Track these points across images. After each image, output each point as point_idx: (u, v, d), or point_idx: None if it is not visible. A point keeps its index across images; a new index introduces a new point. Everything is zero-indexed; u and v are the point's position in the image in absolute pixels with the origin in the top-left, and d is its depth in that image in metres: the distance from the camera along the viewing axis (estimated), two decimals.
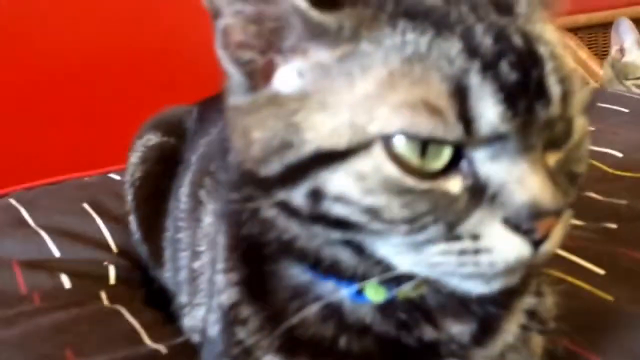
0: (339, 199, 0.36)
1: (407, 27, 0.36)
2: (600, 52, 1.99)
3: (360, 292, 0.43)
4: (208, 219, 0.60)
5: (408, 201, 0.35)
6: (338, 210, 0.36)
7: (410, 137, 0.34)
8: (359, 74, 0.36)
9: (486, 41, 0.35)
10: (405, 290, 0.41)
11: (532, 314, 0.49)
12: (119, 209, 0.99)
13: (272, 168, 0.37)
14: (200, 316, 0.59)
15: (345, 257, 0.40)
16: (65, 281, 0.80)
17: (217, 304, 0.49)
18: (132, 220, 0.81)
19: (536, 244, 0.35)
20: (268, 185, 0.38)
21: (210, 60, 0.39)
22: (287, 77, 0.38)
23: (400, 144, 0.34)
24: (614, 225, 0.77)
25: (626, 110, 1.22)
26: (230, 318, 0.46)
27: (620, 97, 1.31)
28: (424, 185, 0.35)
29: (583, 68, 1.79)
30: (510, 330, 0.46)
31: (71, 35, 1.37)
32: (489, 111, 0.34)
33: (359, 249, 0.39)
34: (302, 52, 0.37)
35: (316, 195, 0.36)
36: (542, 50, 0.36)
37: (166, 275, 0.74)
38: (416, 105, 0.34)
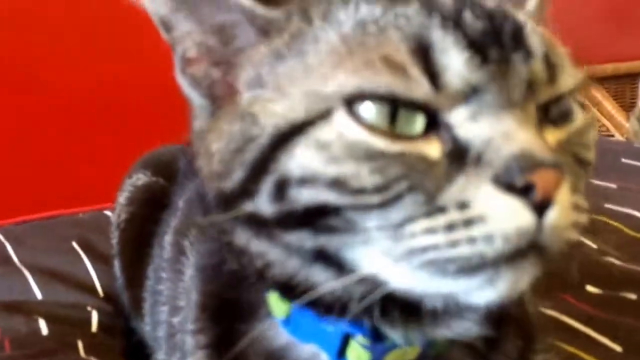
0: (304, 180, 0.32)
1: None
2: (628, 104, 1.96)
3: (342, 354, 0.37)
4: (190, 272, 0.56)
5: (378, 165, 0.31)
6: (304, 196, 0.32)
7: (371, 96, 0.31)
8: (312, 49, 0.34)
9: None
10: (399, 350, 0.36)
11: None
12: (110, 249, 0.97)
13: (235, 176, 0.34)
14: None
15: (323, 278, 0.34)
16: (43, 326, 0.77)
17: None
18: (116, 265, 0.78)
19: (539, 210, 0.30)
20: (234, 200, 0.35)
21: None
22: (246, 80, 0.36)
23: (366, 109, 0.31)
24: (633, 296, 0.72)
25: None
26: None
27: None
28: (396, 147, 0.31)
29: (609, 120, 1.79)
30: None
31: (67, 71, 1.40)
32: (454, 60, 0.32)
33: (337, 265, 0.33)
34: (256, 50, 0.36)
35: (280, 188, 0.33)
36: (520, 16, 0.35)
37: (146, 328, 0.69)
38: (374, 62, 0.32)
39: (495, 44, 0.32)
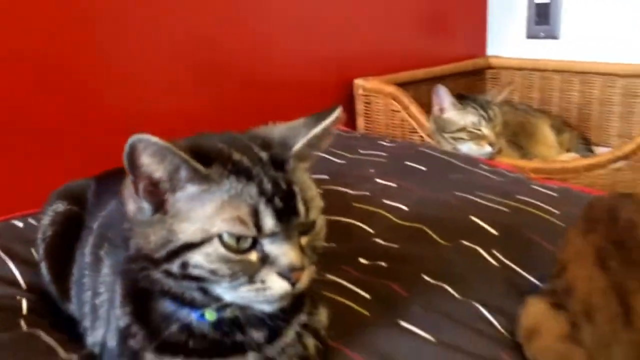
0: (196, 266, 0.67)
1: (233, 179, 0.68)
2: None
3: (202, 315, 0.75)
4: (105, 270, 0.90)
5: (230, 265, 0.67)
6: (196, 272, 0.68)
7: (231, 235, 0.67)
8: (207, 202, 0.67)
9: (268, 187, 0.69)
10: (228, 313, 0.74)
11: (305, 325, 0.83)
12: (26, 254, 1.24)
13: (160, 253, 0.68)
14: (100, 335, 0.88)
15: (198, 296, 0.72)
16: None
17: (115, 327, 0.79)
18: (43, 267, 1.06)
19: (293, 284, 0.69)
20: (158, 262, 0.69)
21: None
22: (171, 203, 0.68)
23: (226, 238, 0.67)
24: (385, 264, 1.10)
25: (424, 169, 1.59)
26: (125, 334, 0.77)
27: (424, 156, 1.66)
28: (238, 257, 0.68)
29: (414, 121, 2.11)
30: (289, 335, 0.79)
31: None
32: (268, 222, 0.68)
33: (205, 291, 0.70)
34: (182, 188, 0.68)
35: (184, 265, 0.68)
36: (296, 189, 0.70)
37: (72, 307, 1.02)
38: (234, 220, 0.67)
39: (286, 213, 0.67)
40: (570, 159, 2.16)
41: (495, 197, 1.37)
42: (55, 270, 1.05)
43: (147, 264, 0.71)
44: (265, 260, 0.68)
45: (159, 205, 0.69)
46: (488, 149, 1.92)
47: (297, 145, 0.74)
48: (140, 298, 0.77)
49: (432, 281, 1.05)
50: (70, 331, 1.00)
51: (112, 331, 0.80)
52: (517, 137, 2.20)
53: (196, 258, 0.67)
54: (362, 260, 1.12)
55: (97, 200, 1.05)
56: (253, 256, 0.68)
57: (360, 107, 2.22)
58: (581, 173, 1.90)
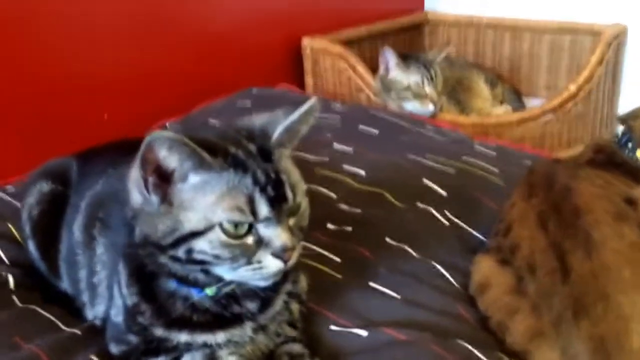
0: (201, 251, 0.76)
1: (231, 171, 0.76)
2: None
3: (202, 291, 0.84)
4: (100, 249, 0.97)
5: (231, 250, 0.76)
6: (200, 256, 0.76)
7: (230, 222, 0.75)
8: (209, 192, 0.75)
9: (261, 178, 0.77)
10: (226, 289, 0.83)
11: (290, 293, 0.93)
12: (3, 229, 1.28)
13: (167, 241, 0.76)
14: (101, 311, 0.96)
15: (201, 277, 0.81)
16: None
17: (122, 304, 0.87)
18: (31, 244, 1.12)
19: (286, 262, 0.78)
20: (165, 249, 0.78)
21: None
22: (176, 194, 0.76)
23: (226, 225, 0.75)
24: (349, 228, 1.21)
25: (376, 132, 1.70)
26: (133, 312, 0.85)
27: (375, 119, 1.75)
28: (237, 242, 0.76)
29: (361, 80, 2.19)
30: (278, 304, 0.90)
31: None
32: (263, 209, 0.76)
33: (207, 272, 0.79)
34: (187, 179, 0.75)
35: (189, 251, 0.76)
36: (284, 177, 0.79)
37: (64, 284, 1.08)
38: (233, 208, 0.75)
39: (277, 200, 0.75)
40: (504, 113, 2.31)
41: (443, 158, 1.49)
42: (44, 247, 1.10)
43: (154, 250, 0.79)
44: (261, 243, 0.77)
45: (165, 197, 0.77)
46: (431, 107, 2.04)
47: (277, 133, 0.82)
48: (145, 278, 0.85)
49: (394, 243, 1.17)
50: (63, 306, 1.07)
51: (118, 308, 0.89)
52: (455, 92, 2.33)
53: (200, 244, 0.76)
54: (330, 226, 1.22)
55: (81, 179, 1.10)
56: (250, 240, 0.77)
57: (308, 65, 2.29)
58: (514, 126, 2.08)
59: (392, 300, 1.02)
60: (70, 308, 1.05)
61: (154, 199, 0.77)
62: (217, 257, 0.76)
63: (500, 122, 2.10)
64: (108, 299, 0.93)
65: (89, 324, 0.99)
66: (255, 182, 0.76)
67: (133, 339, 0.86)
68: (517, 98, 2.49)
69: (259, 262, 0.77)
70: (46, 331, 0.98)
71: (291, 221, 0.80)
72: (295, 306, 0.95)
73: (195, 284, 0.82)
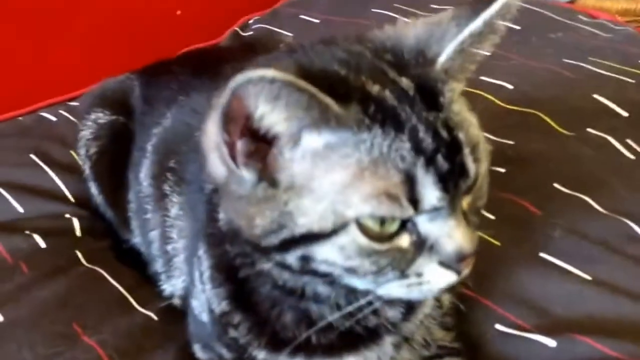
0: (325, 262, 0.48)
1: (376, 129, 0.46)
2: None
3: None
4: (175, 210, 0.72)
5: (375, 259, 0.48)
6: (324, 268, 0.49)
7: (375, 216, 0.46)
8: (338, 166, 0.46)
9: (426, 139, 0.46)
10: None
11: None
12: (66, 158, 1.07)
13: (270, 241, 0.49)
14: (180, 286, 0.73)
15: (322, 289, 0.54)
16: (40, 241, 0.89)
17: (207, 305, 0.62)
18: (93, 187, 0.90)
19: (459, 272, 0.49)
20: (267, 251, 0.50)
21: None
22: (283, 167, 0.47)
23: (368, 221, 0.46)
24: (502, 170, 0.88)
25: (518, 28, 1.29)
26: (224, 322, 0.60)
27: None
28: (385, 246, 0.47)
29: None
30: (428, 304, 0.63)
31: None
32: (430, 195, 0.46)
33: (333, 282, 0.52)
34: (296, 143, 0.47)
35: (306, 259, 0.49)
36: (461, 136, 0.47)
37: (136, 240, 0.85)
38: (380, 195, 0.45)
39: (452, 177, 0.46)
40: None
41: (613, 63, 1.13)
42: (109, 194, 0.90)
43: (250, 250, 0.53)
44: (422, 245, 0.48)
45: (264, 173, 0.48)
46: None
47: (444, 54, 0.50)
48: (238, 278, 0.59)
49: (567, 191, 0.85)
50: (136, 266, 0.86)
51: (201, 302, 0.64)
52: None
53: (325, 252, 0.48)
54: None
55: (146, 108, 0.85)
56: (404, 241, 0.48)
57: None
58: None
59: (580, 284, 0.73)
60: (145, 270, 0.84)
61: (247, 175, 0.48)
62: (352, 270, 0.48)
63: None
64: (187, 274, 0.70)
65: (164, 304, 0.75)
66: (417, 147, 0.46)
67: (225, 353, 0.62)
68: None
69: (419, 275, 0.49)
70: (113, 313, 0.77)
71: (465, 200, 0.50)
72: (444, 295, 0.67)
73: (315, 299, 0.55)
